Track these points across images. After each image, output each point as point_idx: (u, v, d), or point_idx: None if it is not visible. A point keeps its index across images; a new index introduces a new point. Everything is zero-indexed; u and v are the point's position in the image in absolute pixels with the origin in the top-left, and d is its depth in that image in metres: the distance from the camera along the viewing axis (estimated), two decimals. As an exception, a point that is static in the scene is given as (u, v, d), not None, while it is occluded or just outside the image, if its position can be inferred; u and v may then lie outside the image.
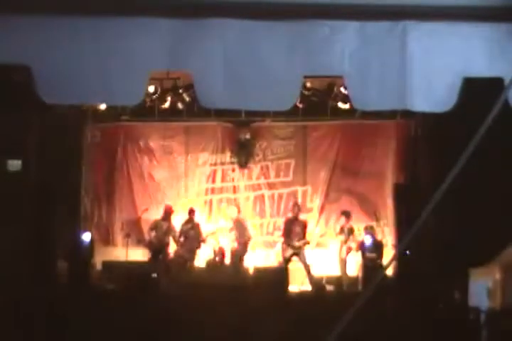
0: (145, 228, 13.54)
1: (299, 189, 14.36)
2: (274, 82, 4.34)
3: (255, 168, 14.42)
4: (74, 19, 4.21)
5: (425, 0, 4.25)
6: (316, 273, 12.59)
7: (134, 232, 13.53)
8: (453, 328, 7.18)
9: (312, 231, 13.78)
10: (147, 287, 9.90)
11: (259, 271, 12.08)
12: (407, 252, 10.77)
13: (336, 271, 12.87)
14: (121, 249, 13.22)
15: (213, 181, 14.43)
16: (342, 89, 12.12)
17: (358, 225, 13.37)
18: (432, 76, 4.33)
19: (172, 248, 13.01)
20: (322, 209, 14.27)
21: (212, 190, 14.41)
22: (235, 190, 14.41)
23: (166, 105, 13.25)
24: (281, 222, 13.61)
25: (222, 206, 14.20)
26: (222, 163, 14.45)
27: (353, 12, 4.28)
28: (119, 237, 13.92)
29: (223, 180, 14.44)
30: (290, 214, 13.20)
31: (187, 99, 12.88)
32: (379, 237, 13.18)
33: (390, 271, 11.84)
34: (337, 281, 12.60)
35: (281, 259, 12.88)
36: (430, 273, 10.65)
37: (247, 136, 14.19)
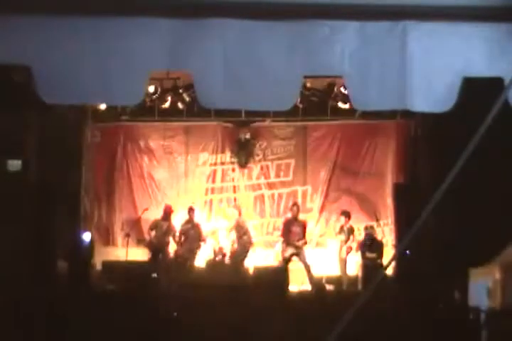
0: (145, 228, 13.55)
1: (299, 189, 14.37)
2: (274, 82, 4.33)
3: (255, 168, 14.43)
4: (74, 19, 4.20)
5: (425, 0, 4.25)
6: (316, 272, 12.58)
7: (134, 232, 13.51)
8: (453, 328, 7.18)
9: (312, 231, 13.80)
10: (147, 287, 9.90)
11: (259, 271, 12.08)
12: (407, 252, 10.77)
13: (335, 271, 12.88)
14: (121, 248, 13.20)
15: (213, 181, 14.44)
16: (342, 89, 12.15)
17: (358, 225, 13.40)
18: (431, 76, 4.33)
19: (172, 248, 13.01)
20: (322, 209, 14.29)
21: (212, 190, 14.42)
22: (235, 189, 14.43)
23: (166, 105, 13.26)
24: (281, 222, 13.61)
25: (223, 206, 14.21)
26: (222, 163, 14.46)
27: (353, 12, 4.28)
28: (119, 237, 13.95)
29: (223, 180, 14.46)
30: (289, 214, 13.20)
31: (187, 99, 12.89)
32: (379, 237, 13.18)
33: (390, 271, 11.84)
34: (337, 281, 12.60)
35: (281, 259, 12.89)
36: (430, 273, 10.65)
37: (247, 136, 14.21)
